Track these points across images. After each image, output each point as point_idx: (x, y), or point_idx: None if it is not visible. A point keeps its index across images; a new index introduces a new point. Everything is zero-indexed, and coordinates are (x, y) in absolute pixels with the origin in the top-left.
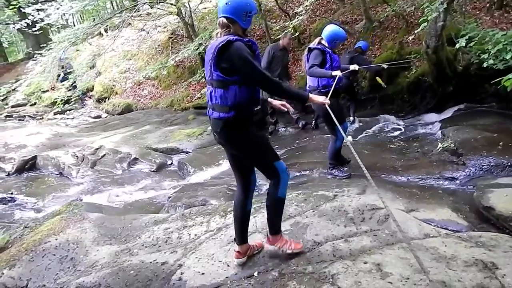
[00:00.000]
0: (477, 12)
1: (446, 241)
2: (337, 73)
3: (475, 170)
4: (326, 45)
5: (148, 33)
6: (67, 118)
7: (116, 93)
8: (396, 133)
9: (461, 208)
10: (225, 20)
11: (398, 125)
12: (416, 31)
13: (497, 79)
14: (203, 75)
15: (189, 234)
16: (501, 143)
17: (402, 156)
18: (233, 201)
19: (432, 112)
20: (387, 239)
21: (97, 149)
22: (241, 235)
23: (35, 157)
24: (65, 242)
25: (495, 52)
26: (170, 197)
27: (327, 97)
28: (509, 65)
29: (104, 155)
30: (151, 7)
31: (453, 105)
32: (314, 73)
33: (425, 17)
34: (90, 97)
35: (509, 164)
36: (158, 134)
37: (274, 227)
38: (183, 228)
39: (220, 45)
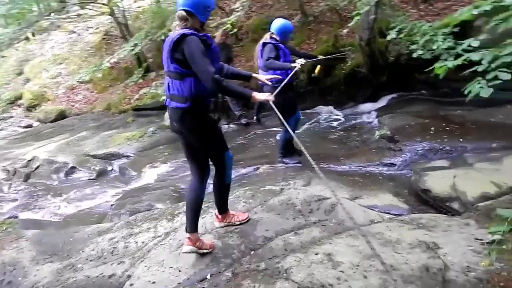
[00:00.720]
0: (404, 6)
1: (390, 226)
2: (296, 64)
3: (411, 155)
4: (278, 38)
5: (79, 35)
6: None
7: (48, 99)
8: (336, 123)
9: (401, 192)
10: (184, 13)
11: (337, 115)
12: (349, 24)
13: (430, 68)
14: (140, 75)
15: (136, 242)
16: (432, 128)
17: (343, 145)
18: (179, 203)
19: (368, 102)
20: (335, 228)
21: (30, 160)
22: (193, 223)
23: None
24: (0, 265)
25: (423, 43)
26: (113, 204)
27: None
28: (435, 55)
29: (38, 166)
30: (82, 8)
31: (387, 94)
32: (272, 66)
33: (358, 11)
34: (19, 106)
35: (441, 148)
36: (96, 139)
37: (223, 208)
38: (129, 236)
39: (175, 38)
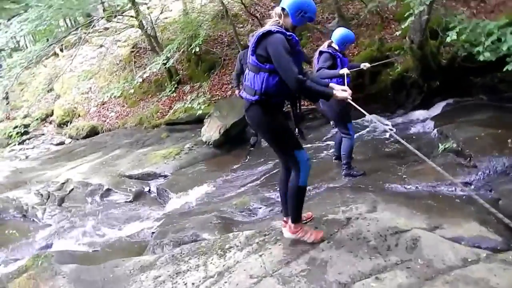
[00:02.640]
0: (454, 4)
1: (492, 268)
2: (344, 70)
3: (489, 172)
4: (337, 48)
5: (107, 49)
6: (27, 149)
7: (79, 115)
8: (387, 134)
9: (487, 219)
10: (280, 10)
11: (386, 125)
12: (403, 26)
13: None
14: (173, 89)
15: (185, 284)
16: (509, 140)
17: (401, 160)
18: (228, 234)
19: (419, 109)
20: (424, 271)
21: (63, 183)
22: (286, 210)
23: None
24: None
25: (489, 44)
26: (153, 232)
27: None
28: (499, 56)
29: (72, 189)
30: (108, 21)
31: (441, 101)
32: (322, 76)
33: (410, 12)
34: (50, 123)
35: None
36: (131, 158)
37: (295, 216)
38: (176, 275)
39: (260, 33)
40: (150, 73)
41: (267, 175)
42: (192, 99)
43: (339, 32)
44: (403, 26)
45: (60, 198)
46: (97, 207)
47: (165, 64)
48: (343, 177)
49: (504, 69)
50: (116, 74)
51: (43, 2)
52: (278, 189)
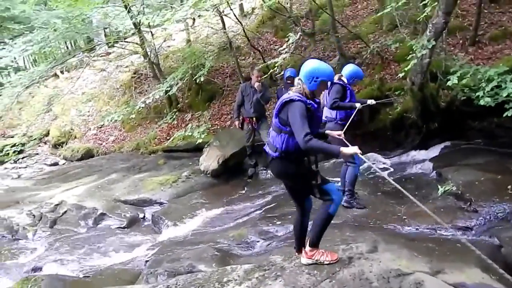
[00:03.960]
0: (452, 48)
1: None
2: (358, 105)
3: (490, 218)
4: (345, 81)
5: (109, 73)
6: (20, 167)
7: (75, 137)
8: (386, 173)
9: (489, 266)
10: (298, 79)
11: (385, 164)
12: (406, 68)
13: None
14: (174, 116)
15: None
16: (509, 187)
17: (401, 200)
18: (226, 267)
19: (417, 149)
20: None
21: (57, 205)
22: (299, 245)
23: None
24: None
25: (489, 90)
26: (147, 260)
27: (343, 128)
28: (497, 102)
29: (66, 211)
30: (109, 47)
31: (438, 143)
32: (341, 107)
33: (413, 54)
34: (45, 143)
35: None
36: (127, 183)
37: (316, 241)
38: None
39: (284, 100)
40: (153, 99)
41: (266, 207)
42: (193, 128)
43: (350, 68)
44: (406, 68)
45: (52, 220)
46: (90, 232)
47: (168, 91)
48: (344, 203)
49: (504, 115)
50: (116, 99)
51: (49, 24)
52: (292, 226)
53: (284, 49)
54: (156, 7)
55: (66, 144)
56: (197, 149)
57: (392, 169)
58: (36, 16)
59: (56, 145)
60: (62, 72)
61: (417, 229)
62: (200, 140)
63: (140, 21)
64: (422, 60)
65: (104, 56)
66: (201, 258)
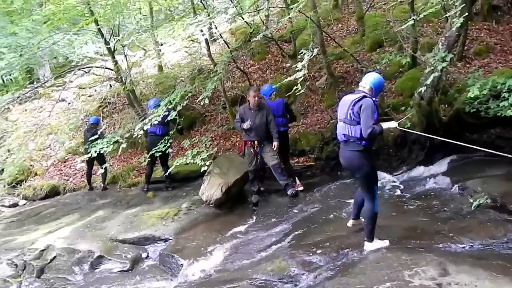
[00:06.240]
0: (456, 63)
1: None
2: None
3: None
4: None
5: (69, 103)
6: None
7: (36, 174)
8: (398, 191)
9: None
10: (369, 86)
11: (394, 182)
12: (427, 82)
13: None
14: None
15: None
16: None
17: (432, 217)
18: None
19: (422, 165)
20: None
21: (42, 250)
22: (356, 214)
23: None
24: None
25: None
26: None
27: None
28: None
29: (55, 257)
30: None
31: (442, 157)
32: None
33: (431, 68)
34: None
35: None
36: (120, 220)
37: (370, 236)
38: None
39: (357, 98)
40: (138, 133)
41: (293, 234)
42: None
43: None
44: (427, 82)
45: (39, 269)
46: (87, 278)
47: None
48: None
49: None
50: (80, 130)
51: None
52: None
53: (302, 65)
54: (129, 32)
55: (25, 182)
56: (184, 179)
57: (402, 187)
58: None
59: (14, 184)
60: (13, 104)
61: (471, 245)
62: (205, 168)
63: (115, 46)
64: (432, 74)
65: (61, 85)
66: None
